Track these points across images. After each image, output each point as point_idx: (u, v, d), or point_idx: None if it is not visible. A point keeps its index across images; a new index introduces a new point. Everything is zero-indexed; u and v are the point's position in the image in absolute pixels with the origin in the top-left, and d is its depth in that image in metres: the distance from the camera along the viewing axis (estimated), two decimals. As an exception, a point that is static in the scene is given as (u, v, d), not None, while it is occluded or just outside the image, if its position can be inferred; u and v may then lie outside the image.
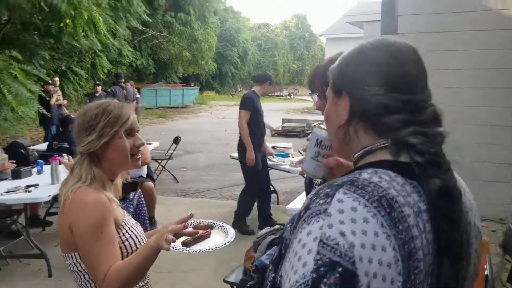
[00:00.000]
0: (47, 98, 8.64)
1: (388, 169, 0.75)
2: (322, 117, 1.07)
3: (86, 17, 9.23)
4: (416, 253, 0.70)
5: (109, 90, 9.15)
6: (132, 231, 1.44)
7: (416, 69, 0.81)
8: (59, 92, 9.51)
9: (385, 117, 0.77)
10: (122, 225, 1.42)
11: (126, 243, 1.40)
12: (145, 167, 5.36)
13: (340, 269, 0.64)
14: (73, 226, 1.33)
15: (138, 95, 10.25)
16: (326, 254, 0.65)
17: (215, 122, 17.45)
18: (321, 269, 0.65)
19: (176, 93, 23.50)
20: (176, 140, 7.35)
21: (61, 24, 9.90)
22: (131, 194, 4.11)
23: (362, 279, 0.64)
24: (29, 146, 6.87)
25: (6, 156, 4.55)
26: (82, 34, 9.91)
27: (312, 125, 8.81)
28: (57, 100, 9.03)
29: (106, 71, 16.74)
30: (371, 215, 0.68)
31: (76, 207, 1.34)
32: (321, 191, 0.73)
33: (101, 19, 9.25)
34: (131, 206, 4.01)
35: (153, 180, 5.26)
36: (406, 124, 0.76)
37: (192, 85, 26.02)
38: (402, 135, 0.76)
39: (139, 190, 4.23)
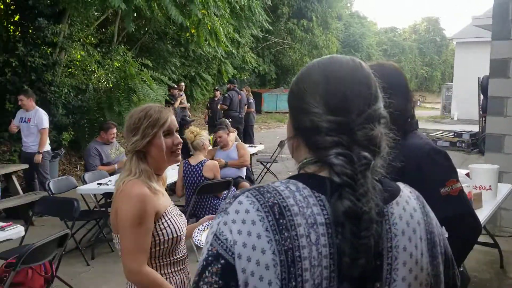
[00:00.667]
0: (172, 102, 9.50)
1: (302, 181, 0.79)
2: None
3: (209, 26, 9.98)
4: (300, 261, 0.73)
5: (226, 95, 9.73)
6: (171, 221, 1.63)
7: (355, 91, 0.81)
8: (183, 96, 10.37)
9: (318, 136, 0.80)
10: (163, 214, 1.62)
11: (164, 231, 1.60)
12: (244, 168, 5.65)
13: (222, 261, 0.74)
14: (118, 213, 1.57)
15: (251, 100, 10.72)
16: (215, 246, 0.76)
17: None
18: (209, 258, 0.75)
19: (297, 98, 23.85)
20: (281, 144, 7.57)
21: (187, 34, 10.86)
22: (224, 192, 4.40)
23: (239, 275, 0.73)
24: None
25: (123, 150, 5.17)
26: (206, 43, 10.70)
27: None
28: (181, 103, 9.87)
29: (230, 77, 17.73)
30: (259, 218, 0.75)
31: (124, 197, 1.57)
32: (235, 193, 0.82)
33: (221, 29, 9.92)
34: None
35: (251, 181, 5.52)
36: (336, 144, 0.78)
37: (315, 91, 26.18)
38: (327, 154, 0.78)
39: (233, 188, 4.49)
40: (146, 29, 12.80)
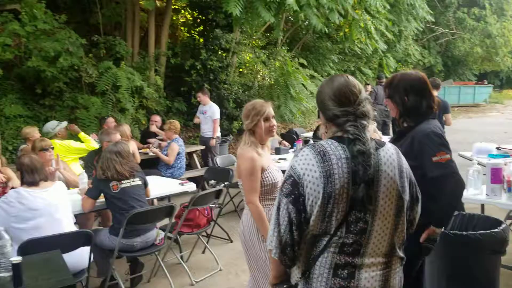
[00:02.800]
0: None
1: (334, 139, 1.68)
2: None
3: (362, 25, 10.71)
4: (332, 175, 1.57)
5: (371, 89, 10.34)
6: (271, 173, 2.69)
7: (349, 92, 1.68)
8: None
9: (336, 120, 1.69)
10: (266, 168, 2.69)
11: (266, 178, 2.68)
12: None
13: (292, 179, 1.65)
14: (239, 168, 2.69)
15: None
16: (290, 171, 1.67)
17: (499, 123, 16.22)
18: (287, 177, 1.68)
19: (467, 91, 22.46)
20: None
21: (341, 34, 11.77)
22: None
23: (302, 183, 1.62)
24: (303, 134, 8.81)
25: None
26: (358, 39, 11.44)
27: None
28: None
29: (392, 70, 17.86)
30: (313, 157, 1.63)
31: (241, 158, 2.68)
32: (302, 146, 1.75)
33: (372, 27, 10.56)
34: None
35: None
36: (347, 121, 1.66)
37: (486, 82, 24.24)
38: (344, 126, 1.66)
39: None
40: (307, 29, 14.03)
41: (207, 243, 4.69)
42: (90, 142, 5.36)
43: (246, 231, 2.71)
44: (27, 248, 2.72)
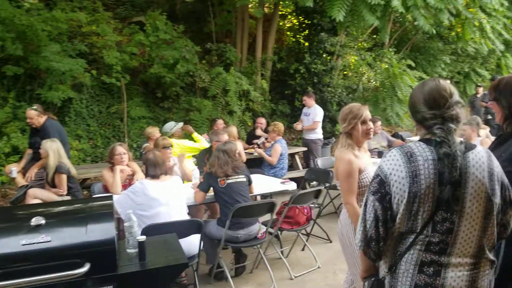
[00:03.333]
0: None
1: (422, 141, 1.78)
2: None
3: (477, 24, 10.08)
4: (419, 175, 1.66)
5: (485, 92, 9.64)
6: (368, 175, 2.79)
7: (438, 95, 1.77)
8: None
9: (425, 122, 1.79)
10: (363, 170, 2.80)
11: (363, 180, 2.78)
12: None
13: (379, 178, 1.78)
14: (337, 169, 2.83)
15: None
16: (377, 171, 1.81)
17: None
18: (375, 176, 1.81)
19: None
20: None
21: (452, 34, 11.13)
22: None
23: (389, 183, 1.73)
24: (409, 137, 8.58)
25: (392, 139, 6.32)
26: (472, 39, 10.76)
27: None
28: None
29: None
30: (400, 157, 1.74)
31: (339, 160, 2.81)
32: (391, 149, 1.85)
33: (488, 26, 9.87)
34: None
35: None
36: (434, 124, 1.74)
37: None
38: (432, 129, 1.75)
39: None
40: (417, 30, 13.50)
41: (306, 241, 4.89)
42: (202, 142, 5.85)
43: (343, 229, 2.85)
44: (148, 231, 3.15)
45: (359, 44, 11.78)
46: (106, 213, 2.27)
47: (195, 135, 6.15)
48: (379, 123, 7.05)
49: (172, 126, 5.93)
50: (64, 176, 4.70)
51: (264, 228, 4.21)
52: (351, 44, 11.01)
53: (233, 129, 6.33)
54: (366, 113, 2.86)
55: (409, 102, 1.88)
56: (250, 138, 8.06)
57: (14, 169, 5.19)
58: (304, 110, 8.13)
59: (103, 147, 8.03)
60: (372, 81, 11.37)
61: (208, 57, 9.79)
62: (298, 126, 8.00)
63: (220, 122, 7.19)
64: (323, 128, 8.45)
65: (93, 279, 2.04)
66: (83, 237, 2.10)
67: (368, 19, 7.61)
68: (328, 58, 10.31)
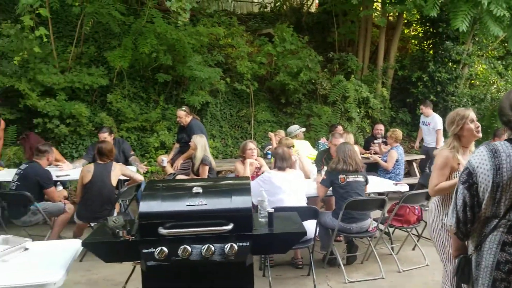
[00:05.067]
0: None
1: (507, 141, 2.12)
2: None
3: None
4: (502, 168, 1.99)
5: None
6: (458, 175, 3.09)
7: None
8: None
9: (509, 124, 2.14)
10: (457, 170, 3.10)
11: (454, 178, 3.09)
12: None
13: (468, 170, 2.18)
14: (435, 161, 3.18)
15: None
16: (467, 165, 2.20)
17: None
18: (464, 168, 2.21)
19: None
20: None
21: None
22: None
23: (476, 174, 2.12)
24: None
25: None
26: None
27: None
28: None
29: None
30: (486, 153, 2.11)
31: (438, 155, 3.16)
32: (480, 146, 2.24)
33: None
34: None
35: None
36: None
37: None
38: None
39: None
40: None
41: (417, 241, 5.14)
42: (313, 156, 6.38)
43: (431, 218, 3.17)
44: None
45: (489, 53, 11.29)
46: (245, 188, 2.94)
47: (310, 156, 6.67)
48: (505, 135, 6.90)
49: (296, 128, 6.59)
50: (207, 168, 5.59)
51: (375, 224, 4.61)
52: (478, 52, 10.64)
53: (351, 136, 6.77)
54: (472, 114, 3.14)
55: (498, 107, 2.24)
56: (367, 144, 8.38)
57: (165, 159, 6.28)
58: (423, 119, 8.22)
59: (232, 146, 9.02)
60: (502, 91, 10.82)
61: (330, 65, 10.32)
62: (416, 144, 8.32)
63: (339, 129, 7.64)
64: (444, 136, 8.42)
65: (235, 235, 2.71)
66: (229, 204, 2.79)
67: (492, 30, 7.46)
68: (454, 66, 10.14)
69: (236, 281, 2.72)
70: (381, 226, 4.82)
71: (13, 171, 5.22)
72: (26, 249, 2.97)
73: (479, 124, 3.16)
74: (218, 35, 9.32)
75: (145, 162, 7.10)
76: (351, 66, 10.04)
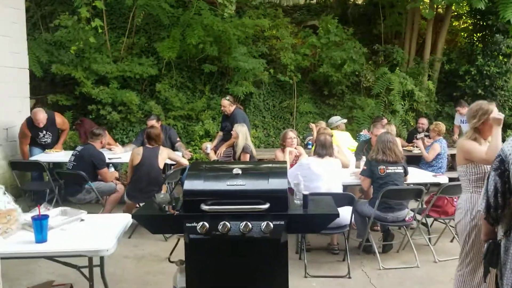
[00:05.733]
0: None
1: None
2: None
3: None
4: None
5: None
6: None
7: None
8: None
9: None
10: None
11: (482, 167, 3.04)
12: None
13: (500, 157, 2.26)
14: (457, 156, 3.21)
15: None
16: (499, 152, 2.27)
17: None
18: (497, 156, 2.29)
19: None
20: None
21: None
22: None
23: (508, 161, 2.20)
24: None
25: None
26: None
27: None
28: None
29: None
30: None
31: (460, 146, 3.18)
32: None
33: None
34: None
35: None
36: None
37: None
38: None
39: None
40: None
41: (455, 233, 5.13)
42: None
43: (459, 210, 3.19)
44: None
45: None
46: (282, 171, 3.12)
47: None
48: None
49: (338, 119, 6.69)
50: (248, 156, 5.80)
51: (412, 213, 4.66)
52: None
53: (393, 127, 6.77)
54: (495, 108, 3.14)
55: None
56: (410, 137, 8.31)
57: (209, 146, 6.56)
58: (460, 117, 8.18)
59: (274, 136, 9.19)
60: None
61: (375, 58, 10.25)
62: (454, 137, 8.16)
63: (384, 121, 7.63)
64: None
65: (271, 214, 2.89)
66: (266, 185, 2.98)
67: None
68: (504, 60, 9.82)
69: (271, 257, 2.91)
70: (418, 217, 4.86)
71: (69, 153, 5.65)
72: (82, 220, 3.28)
73: (503, 116, 3.13)
74: (263, 26, 9.48)
75: (190, 149, 7.42)
76: (396, 58, 9.92)
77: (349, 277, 4.19)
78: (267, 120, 9.37)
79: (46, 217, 2.87)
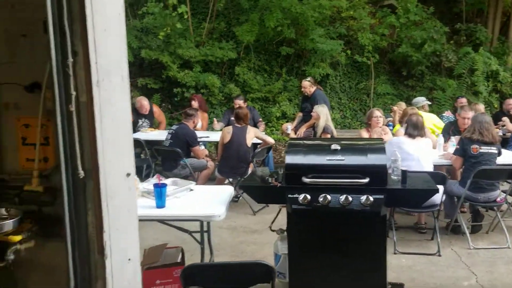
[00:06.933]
0: None
1: None
2: None
3: None
4: None
5: None
6: None
7: None
8: None
9: None
10: None
11: None
12: None
13: None
14: None
15: None
16: None
17: None
18: None
19: None
20: None
21: None
22: None
23: None
24: None
25: None
26: None
27: None
28: None
29: None
30: None
31: None
32: None
33: None
34: None
35: None
36: None
37: None
38: None
39: None
40: None
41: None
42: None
43: None
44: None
45: None
46: (380, 147, 3.23)
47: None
48: None
49: (423, 99, 6.64)
50: (329, 136, 5.92)
51: (503, 195, 4.58)
52: None
53: (480, 107, 6.57)
54: None
55: None
56: (495, 119, 7.97)
57: (289, 126, 6.74)
58: None
59: (350, 118, 9.21)
60: None
61: (456, 37, 9.86)
62: None
63: (463, 101, 7.41)
64: None
65: (370, 188, 3.01)
66: (365, 160, 3.11)
67: None
68: None
69: (370, 230, 3.05)
70: (510, 198, 4.75)
71: (162, 132, 6.07)
72: (191, 190, 3.59)
73: None
74: (340, 7, 9.44)
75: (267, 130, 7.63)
76: (479, 37, 9.50)
77: (439, 255, 4.23)
78: (343, 102, 9.39)
79: (165, 185, 3.19)
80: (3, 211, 1.95)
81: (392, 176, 3.28)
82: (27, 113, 2.06)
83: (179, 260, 3.40)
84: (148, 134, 6.41)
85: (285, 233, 3.29)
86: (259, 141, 5.77)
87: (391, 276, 3.55)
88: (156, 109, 7.01)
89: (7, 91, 2.08)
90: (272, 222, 3.49)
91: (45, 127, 2.01)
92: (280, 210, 3.46)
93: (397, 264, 4.05)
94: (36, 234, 1.96)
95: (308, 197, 3.03)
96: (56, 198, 1.98)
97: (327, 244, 3.11)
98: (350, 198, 2.99)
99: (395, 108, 6.76)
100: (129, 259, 2.16)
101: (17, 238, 1.86)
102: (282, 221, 3.28)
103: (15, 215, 1.92)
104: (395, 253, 4.24)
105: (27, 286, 2.12)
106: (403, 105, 6.81)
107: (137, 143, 5.83)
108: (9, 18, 2.05)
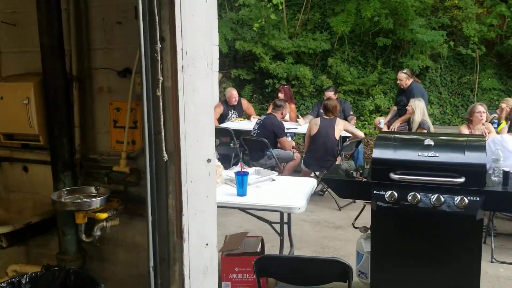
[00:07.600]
0: None
1: None
2: None
3: None
4: None
5: None
6: None
7: None
8: None
9: None
10: None
11: None
12: None
13: None
14: None
15: None
16: None
17: None
18: None
19: None
20: None
21: None
22: None
23: None
24: None
25: None
26: None
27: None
28: None
29: None
30: None
31: None
32: None
33: None
34: None
35: None
36: None
37: None
38: None
39: None
40: None
41: None
42: None
43: None
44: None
45: None
46: (481, 145, 2.94)
47: None
48: None
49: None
50: (425, 132, 5.56)
51: None
52: None
53: None
54: None
55: None
56: None
57: (382, 120, 6.46)
58: None
59: (451, 114, 8.59)
60: None
61: None
62: None
63: None
64: None
65: (466, 189, 2.76)
66: (461, 158, 2.85)
67: None
68: None
69: (464, 234, 2.80)
70: None
71: (250, 122, 6.14)
72: (273, 180, 3.58)
73: None
74: (444, -4, 8.81)
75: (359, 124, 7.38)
76: None
77: (546, 268, 3.79)
78: (443, 97, 8.77)
79: (246, 174, 3.21)
80: (93, 189, 2.09)
81: (492, 177, 2.99)
82: (118, 97, 2.18)
83: (258, 249, 3.42)
84: (237, 123, 6.52)
85: (369, 231, 3.15)
86: (349, 135, 5.60)
87: (485, 286, 3.27)
88: (244, 101, 7.10)
89: (102, 76, 2.23)
90: (356, 219, 3.36)
91: (134, 111, 2.12)
92: (364, 206, 3.32)
93: (494, 274, 3.70)
94: (121, 213, 2.08)
95: (396, 194, 2.87)
96: (141, 180, 2.09)
97: (413, 247, 2.92)
98: (443, 199, 2.77)
99: (503, 105, 6.15)
100: (207, 244, 2.21)
101: (104, 215, 1.98)
102: (366, 219, 3.14)
103: (103, 193, 2.04)
104: (492, 262, 3.87)
105: (111, 262, 2.26)
106: (510, 101, 6.18)
107: (227, 132, 5.97)
108: (108, 5, 2.18)
